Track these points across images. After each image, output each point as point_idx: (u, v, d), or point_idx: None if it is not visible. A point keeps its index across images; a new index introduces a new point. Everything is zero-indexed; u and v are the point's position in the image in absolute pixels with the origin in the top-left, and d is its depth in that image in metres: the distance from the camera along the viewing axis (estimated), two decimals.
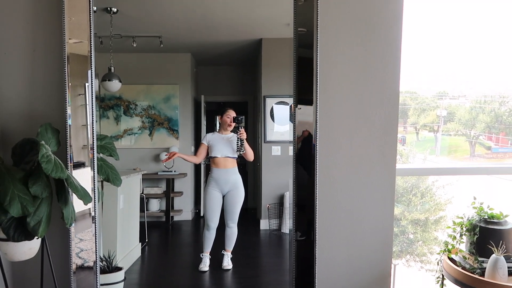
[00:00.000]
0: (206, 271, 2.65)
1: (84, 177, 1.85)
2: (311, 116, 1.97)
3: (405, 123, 3.53)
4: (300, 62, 1.95)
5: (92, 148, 1.84)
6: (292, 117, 1.97)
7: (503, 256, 1.90)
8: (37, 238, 1.63)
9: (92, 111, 1.79)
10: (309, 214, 2.01)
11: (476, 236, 2.03)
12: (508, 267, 1.91)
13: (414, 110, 3.51)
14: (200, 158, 2.77)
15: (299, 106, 1.96)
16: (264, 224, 2.92)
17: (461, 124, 3.52)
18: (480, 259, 1.99)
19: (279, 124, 2.85)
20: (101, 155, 1.93)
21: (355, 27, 2.03)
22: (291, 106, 1.97)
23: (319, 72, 1.94)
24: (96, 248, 1.88)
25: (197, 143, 2.85)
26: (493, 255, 1.90)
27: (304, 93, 1.96)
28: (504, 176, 3.07)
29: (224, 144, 2.72)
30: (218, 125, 2.83)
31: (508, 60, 3.08)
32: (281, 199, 2.88)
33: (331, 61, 2.02)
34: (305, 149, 1.99)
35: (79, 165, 1.88)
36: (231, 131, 2.73)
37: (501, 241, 1.95)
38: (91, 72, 1.78)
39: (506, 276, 1.88)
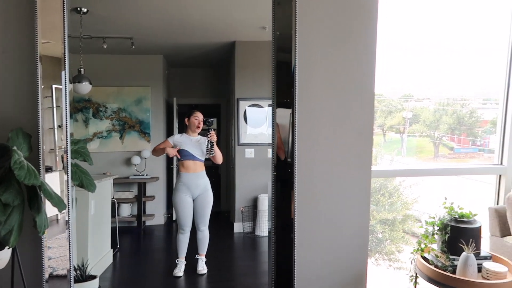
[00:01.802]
0: (180, 277, 2.61)
1: (52, 183, 1.78)
2: (289, 119, 1.98)
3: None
4: (278, 65, 1.96)
5: (66, 153, 1.77)
6: (272, 121, 1.97)
7: (473, 253, 1.99)
8: (8, 248, 1.55)
9: (66, 114, 1.72)
10: (287, 216, 2.02)
11: (447, 235, 2.11)
12: (478, 264, 2.00)
13: (381, 112, 3.60)
14: (159, 150, 2.74)
15: (277, 109, 1.98)
16: (238, 227, 2.92)
17: (425, 125, 3.63)
18: (451, 257, 2.07)
19: (253, 126, 2.85)
20: (74, 160, 1.86)
21: (332, 31, 2.07)
22: (271, 109, 1.98)
23: (297, 75, 1.96)
24: (70, 256, 1.81)
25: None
26: (464, 253, 1.98)
27: (282, 96, 1.97)
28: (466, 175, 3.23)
29: (193, 146, 2.70)
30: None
31: (468, 65, 3.23)
32: (255, 201, 2.89)
33: (309, 64, 2.05)
34: (283, 152, 2.00)
35: (46, 169, 1.80)
36: (200, 134, 2.71)
37: (470, 239, 2.04)
38: (66, 73, 1.71)
39: (476, 273, 1.97)
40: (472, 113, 3.57)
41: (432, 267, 2.07)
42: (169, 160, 2.92)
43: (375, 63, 2.11)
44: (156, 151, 2.75)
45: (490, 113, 3.46)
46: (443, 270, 2.03)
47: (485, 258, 2.10)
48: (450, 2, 3.06)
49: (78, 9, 2.27)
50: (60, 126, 1.78)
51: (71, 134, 1.83)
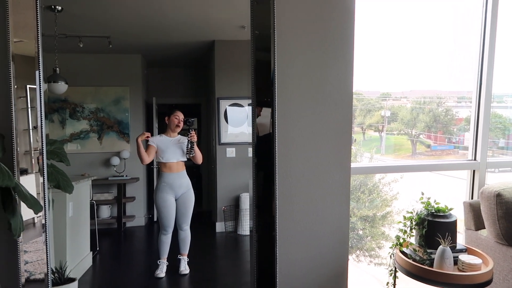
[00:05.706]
0: (162, 277, 2.59)
1: (28, 185, 1.74)
2: (269, 118, 1.99)
3: (353, 123, 3.66)
4: (257, 64, 1.97)
5: (42, 154, 1.73)
6: (252, 120, 1.98)
7: (449, 246, 2.04)
8: None
9: (41, 114, 1.69)
10: (269, 214, 2.03)
11: (424, 229, 2.15)
12: (454, 257, 2.05)
13: (361, 111, 3.64)
14: (149, 159, 2.69)
15: (257, 108, 1.98)
16: (220, 227, 2.91)
17: (403, 123, 3.70)
18: (428, 250, 2.12)
19: (233, 126, 2.84)
20: (51, 161, 1.83)
21: (311, 30, 2.09)
22: (252, 109, 1.98)
23: (276, 74, 1.97)
24: (48, 259, 1.77)
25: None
26: (440, 247, 2.03)
27: (262, 95, 1.98)
28: (441, 171, 3.31)
29: (175, 147, 2.68)
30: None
31: (444, 64, 3.31)
32: (236, 200, 2.89)
33: (288, 63, 2.06)
34: (264, 151, 2.01)
35: (22, 172, 1.76)
36: (180, 133, 2.69)
37: (447, 233, 2.09)
38: (40, 73, 1.67)
39: (452, 266, 2.02)
40: (447, 111, 3.66)
41: (410, 261, 2.12)
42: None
43: (353, 62, 2.13)
44: (149, 158, 2.69)
45: (464, 111, 3.54)
46: (421, 264, 2.07)
47: (461, 251, 2.17)
48: (426, 3, 3.14)
49: (52, 7, 2.21)
50: (35, 127, 1.74)
51: (47, 135, 1.79)
